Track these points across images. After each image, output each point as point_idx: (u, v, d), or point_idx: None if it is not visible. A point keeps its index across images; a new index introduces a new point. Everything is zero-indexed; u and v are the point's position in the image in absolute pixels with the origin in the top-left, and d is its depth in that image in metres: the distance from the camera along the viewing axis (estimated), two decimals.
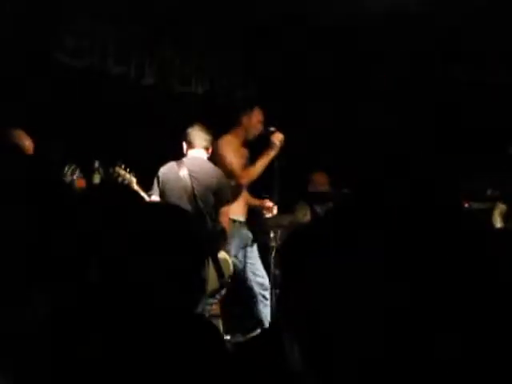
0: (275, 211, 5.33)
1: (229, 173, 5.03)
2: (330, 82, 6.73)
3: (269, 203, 5.33)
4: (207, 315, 4.79)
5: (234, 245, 5.09)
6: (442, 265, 0.87)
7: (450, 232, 0.89)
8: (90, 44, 5.91)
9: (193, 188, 4.73)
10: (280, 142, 5.15)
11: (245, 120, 5.24)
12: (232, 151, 5.15)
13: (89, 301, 1.58)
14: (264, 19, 6.33)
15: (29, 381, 1.48)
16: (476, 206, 5.58)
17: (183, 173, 4.75)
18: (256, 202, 5.39)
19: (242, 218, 5.23)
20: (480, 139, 6.21)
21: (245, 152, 5.30)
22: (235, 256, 5.09)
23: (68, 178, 4.50)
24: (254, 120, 5.24)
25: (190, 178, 4.74)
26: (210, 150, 4.99)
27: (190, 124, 4.99)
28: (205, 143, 4.92)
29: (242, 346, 4.69)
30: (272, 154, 5.13)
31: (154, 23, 6.21)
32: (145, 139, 5.89)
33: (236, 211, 5.14)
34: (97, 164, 4.71)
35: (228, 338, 4.92)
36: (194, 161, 4.87)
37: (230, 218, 5.00)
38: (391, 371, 0.85)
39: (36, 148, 4.50)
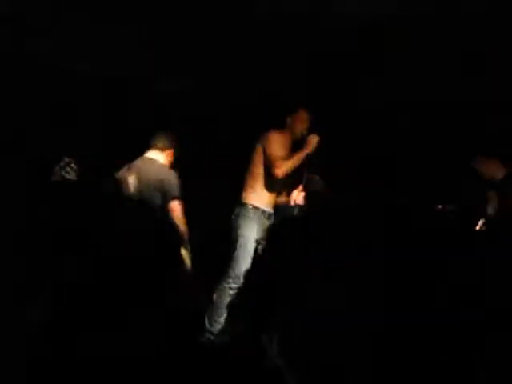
0: (301, 199, 5.34)
1: (269, 162, 5.14)
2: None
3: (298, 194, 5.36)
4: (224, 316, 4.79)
5: (256, 230, 5.07)
6: None
7: None
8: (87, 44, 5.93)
9: (140, 191, 4.85)
10: (315, 142, 5.22)
11: (289, 121, 5.37)
12: (280, 144, 5.22)
13: (85, 300, 1.59)
14: (264, 19, 6.30)
15: (29, 380, 1.49)
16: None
17: (131, 177, 4.93)
18: (286, 200, 5.39)
19: (267, 209, 5.21)
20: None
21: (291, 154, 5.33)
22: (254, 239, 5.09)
23: (60, 173, 4.51)
24: (298, 121, 5.36)
25: (137, 180, 4.91)
26: (170, 152, 5.13)
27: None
28: (161, 145, 5.11)
29: (228, 347, 4.65)
30: (306, 152, 5.21)
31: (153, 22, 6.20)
32: (140, 137, 5.90)
33: (264, 201, 5.18)
34: (70, 163, 4.67)
35: (213, 338, 4.88)
36: (146, 162, 5.06)
37: (253, 205, 5.10)
38: None
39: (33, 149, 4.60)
